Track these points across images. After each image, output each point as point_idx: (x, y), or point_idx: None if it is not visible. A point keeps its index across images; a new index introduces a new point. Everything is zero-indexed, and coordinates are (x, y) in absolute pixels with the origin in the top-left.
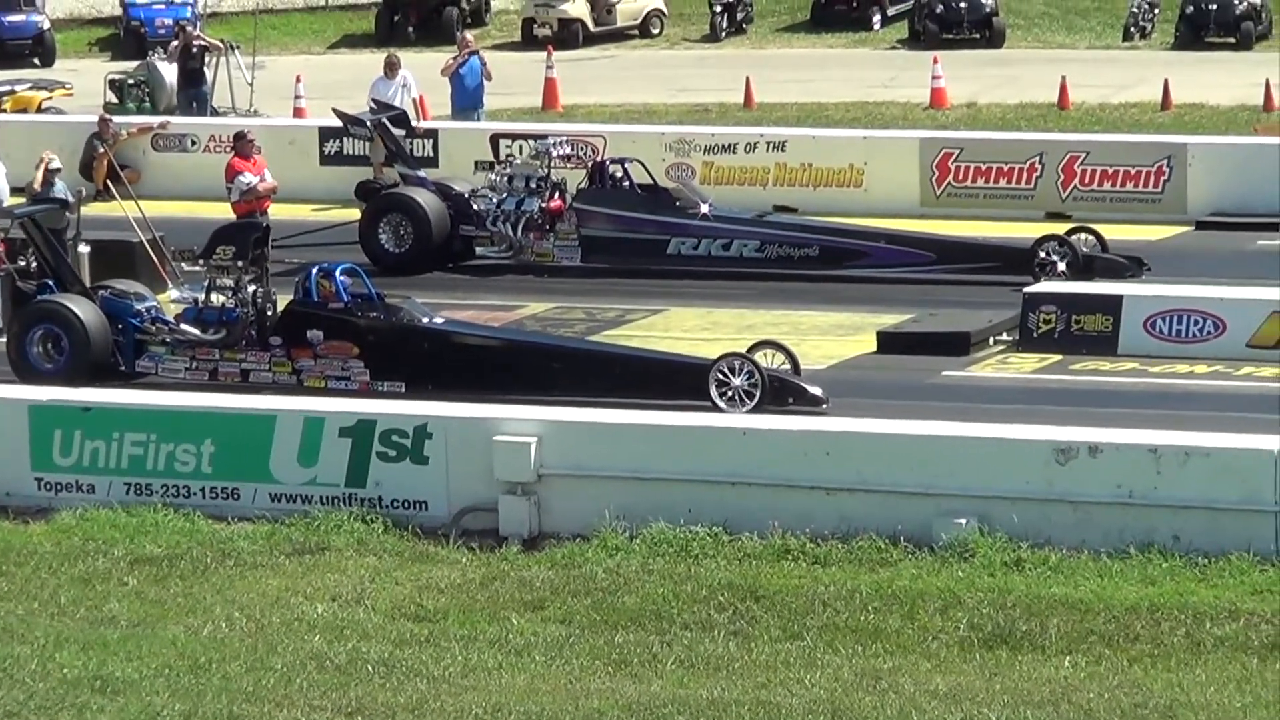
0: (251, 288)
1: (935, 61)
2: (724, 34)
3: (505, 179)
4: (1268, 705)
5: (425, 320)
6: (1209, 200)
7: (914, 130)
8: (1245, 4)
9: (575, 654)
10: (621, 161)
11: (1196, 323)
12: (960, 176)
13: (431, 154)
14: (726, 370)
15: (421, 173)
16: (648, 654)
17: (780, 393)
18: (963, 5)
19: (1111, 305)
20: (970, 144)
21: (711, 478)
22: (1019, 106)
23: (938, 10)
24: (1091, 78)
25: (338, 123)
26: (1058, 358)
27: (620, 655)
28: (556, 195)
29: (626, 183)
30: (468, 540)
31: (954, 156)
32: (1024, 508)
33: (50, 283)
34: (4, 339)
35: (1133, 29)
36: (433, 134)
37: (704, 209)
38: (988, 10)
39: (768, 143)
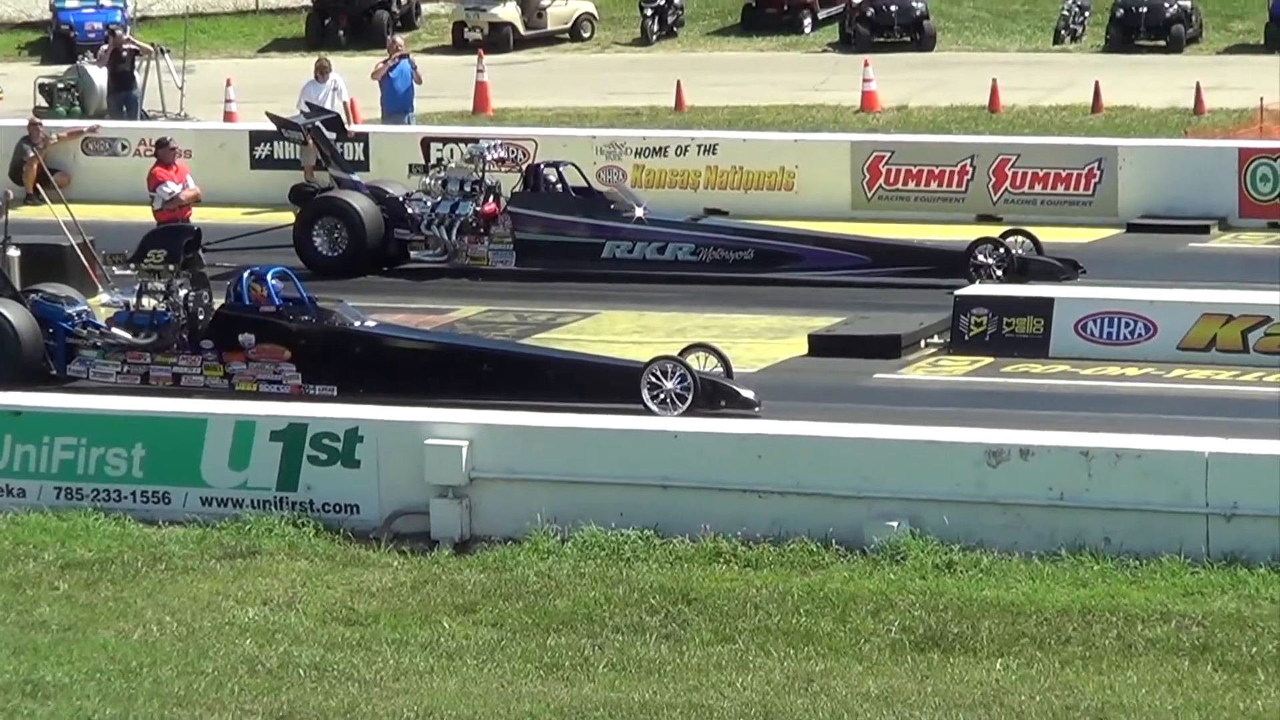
0: (183, 291)
1: (866, 64)
2: (655, 37)
3: (440, 182)
4: (1199, 707)
5: (357, 324)
6: (1140, 203)
7: (845, 133)
8: (1175, 7)
9: (507, 657)
10: (556, 165)
11: (1128, 325)
12: (891, 179)
13: (362, 157)
14: (659, 373)
15: (355, 176)
16: (579, 657)
17: (712, 396)
18: (893, 8)
19: (1043, 308)
20: (901, 147)
21: (643, 481)
22: (950, 109)
23: (868, 14)
24: (1022, 80)
25: (269, 126)
26: (989, 360)
27: (552, 658)
28: (491, 199)
29: (561, 186)
30: (399, 544)
31: (885, 159)
32: (955, 510)
33: None
34: None
35: (1063, 32)
36: (363, 137)
37: (639, 212)
38: (918, 14)
39: (699, 146)
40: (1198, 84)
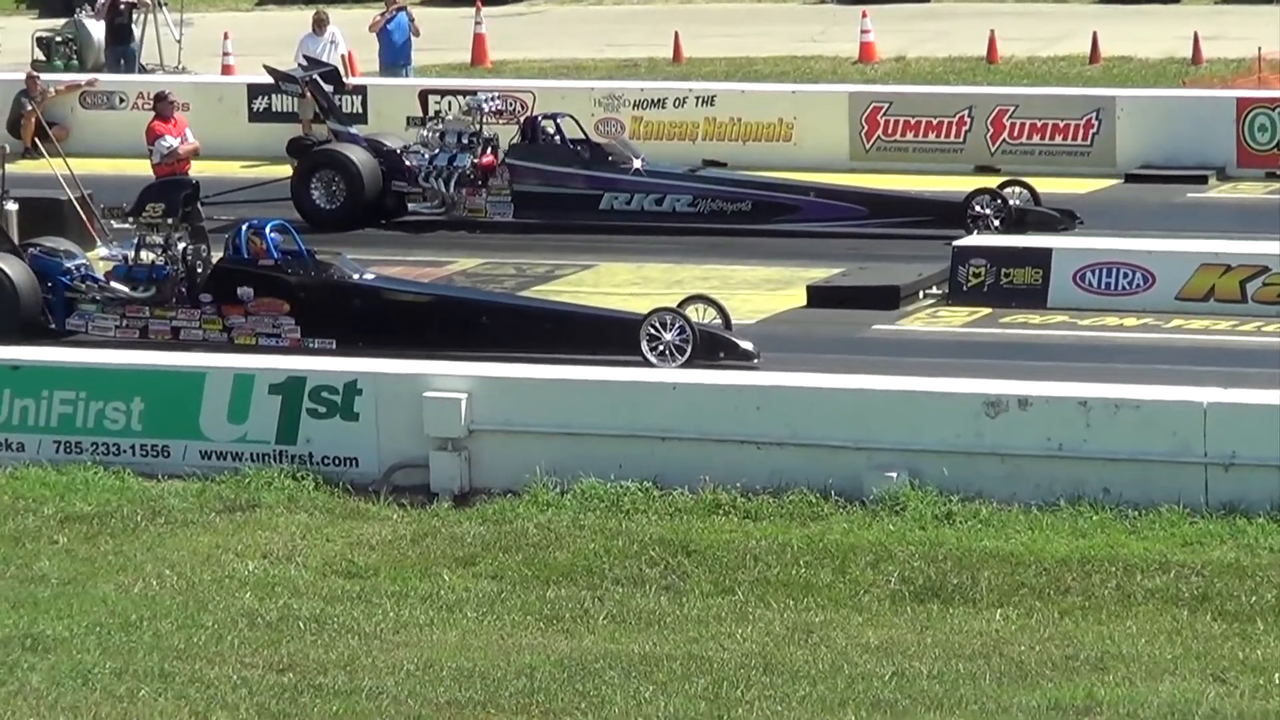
0: (181, 245)
1: (864, 15)
2: None
3: (437, 135)
4: (1198, 656)
5: (356, 276)
6: (1138, 153)
7: (843, 84)
8: None
9: (507, 609)
10: (554, 117)
11: (1126, 275)
12: (890, 130)
13: (360, 110)
14: (657, 325)
15: (354, 129)
16: (579, 609)
17: (711, 347)
18: None
19: (1041, 258)
20: (899, 98)
21: (642, 433)
22: (948, 60)
23: None
24: (1020, 31)
25: (267, 79)
26: (987, 311)
27: (552, 611)
28: (489, 151)
29: (559, 138)
30: (398, 496)
31: (883, 110)
32: (954, 461)
33: None
34: None
35: None
36: (361, 90)
37: (636, 164)
38: None
39: (697, 97)
40: (1195, 34)
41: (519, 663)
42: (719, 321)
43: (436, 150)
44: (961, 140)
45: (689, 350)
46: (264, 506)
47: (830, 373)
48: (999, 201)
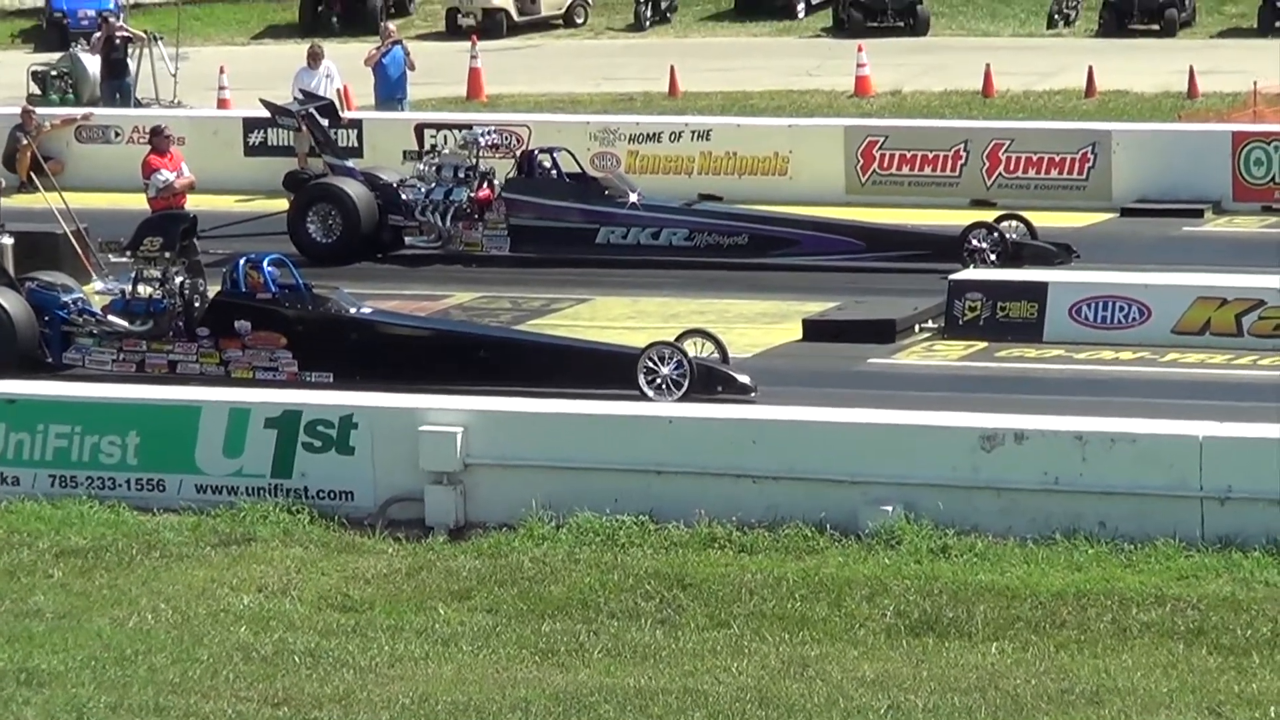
0: (179, 279)
1: (860, 49)
2: (648, 23)
3: (433, 169)
4: (1193, 690)
5: (353, 310)
6: (1134, 187)
7: (839, 118)
8: None
9: (502, 643)
10: (550, 151)
11: (1122, 309)
12: (885, 164)
13: (356, 144)
14: (655, 359)
15: (349, 163)
16: (575, 643)
17: (709, 381)
18: None
19: (1037, 292)
20: (895, 131)
21: (638, 467)
22: (944, 94)
23: None
24: (1016, 65)
25: (263, 113)
26: (983, 345)
27: (547, 644)
28: (485, 185)
29: (555, 172)
30: (394, 530)
31: (879, 144)
32: (950, 495)
33: None
34: None
35: (1056, 16)
36: (357, 124)
37: (633, 198)
38: None
39: (693, 131)
40: (1191, 68)
41: (514, 696)
42: (716, 356)
43: (433, 184)
44: (957, 174)
45: (686, 384)
46: (259, 540)
47: (826, 406)
48: (995, 235)
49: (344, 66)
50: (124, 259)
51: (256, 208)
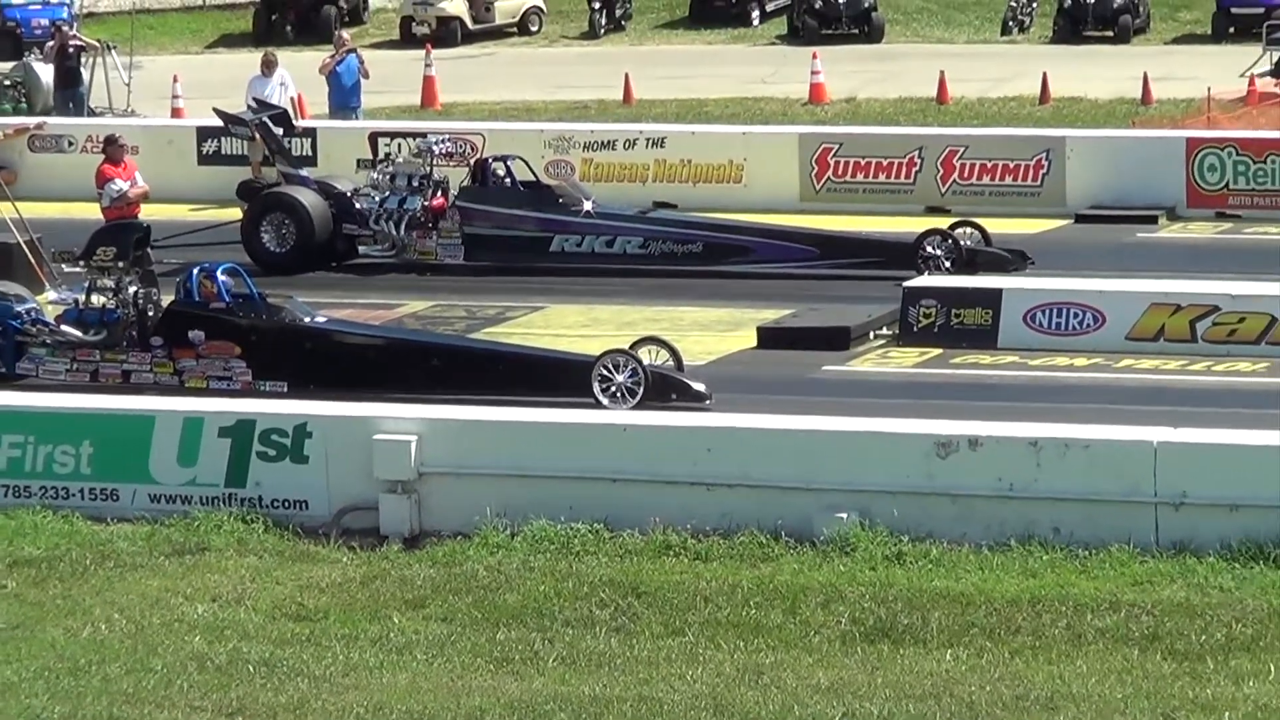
0: (132, 289)
1: (814, 57)
2: (603, 31)
3: (387, 177)
4: (1148, 696)
5: (307, 319)
6: (1088, 193)
7: (793, 126)
8: None
9: (457, 652)
10: (504, 159)
11: (1076, 315)
12: (840, 171)
13: (310, 152)
14: (609, 367)
15: (303, 172)
16: (529, 651)
17: (663, 389)
18: (841, 1)
19: (991, 299)
20: (850, 139)
21: (592, 474)
22: (898, 101)
23: (816, 6)
24: (970, 72)
25: (216, 122)
26: (938, 352)
27: (502, 653)
28: (439, 193)
29: (509, 180)
30: (348, 539)
31: (833, 151)
32: (905, 501)
33: None
34: None
35: (1011, 23)
36: (311, 133)
37: (587, 206)
38: (866, 5)
39: (647, 139)
40: (1145, 74)
41: (469, 705)
42: (671, 363)
43: (386, 193)
44: (912, 181)
45: (641, 392)
46: (213, 550)
47: (781, 414)
48: (950, 242)
49: (298, 75)
50: (77, 269)
51: (209, 217)
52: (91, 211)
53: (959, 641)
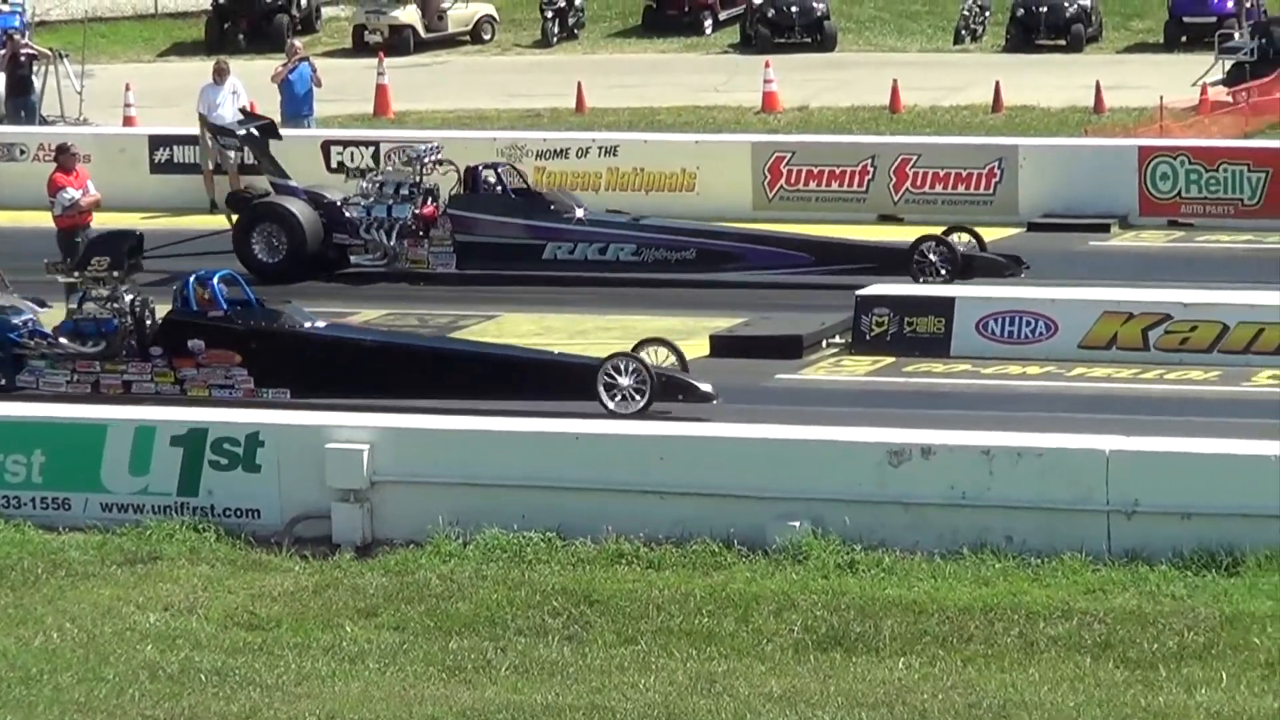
0: (129, 298)
1: (767, 65)
2: (555, 39)
3: (376, 186)
4: (1100, 704)
5: (307, 325)
6: (1040, 202)
7: (746, 134)
8: (1075, 6)
9: (409, 661)
10: (495, 166)
11: (1029, 324)
12: (792, 180)
13: None
14: (614, 369)
15: (292, 181)
16: (482, 660)
17: (669, 390)
18: (794, 9)
19: (944, 307)
20: (802, 147)
21: (545, 483)
22: (851, 110)
23: (769, 15)
24: (923, 81)
25: (169, 131)
26: (890, 360)
27: (454, 662)
28: (429, 201)
29: (500, 188)
30: (301, 548)
31: (786, 160)
32: (857, 510)
33: None
34: None
35: (964, 32)
36: None
37: (579, 213)
38: (819, 14)
39: (600, 147)
40: (1098, 83)
41: (421, 714)
42: (675, 364)
43: (375, 201)
44: (864, 189)
45: (647, 394)
46: (165, 559)
47: (734, 422)
48: (944, 248)
49: (251, 84)
50: (72, 279)
51: (162, 226)
52: (43, 220)
53: (911, 650)
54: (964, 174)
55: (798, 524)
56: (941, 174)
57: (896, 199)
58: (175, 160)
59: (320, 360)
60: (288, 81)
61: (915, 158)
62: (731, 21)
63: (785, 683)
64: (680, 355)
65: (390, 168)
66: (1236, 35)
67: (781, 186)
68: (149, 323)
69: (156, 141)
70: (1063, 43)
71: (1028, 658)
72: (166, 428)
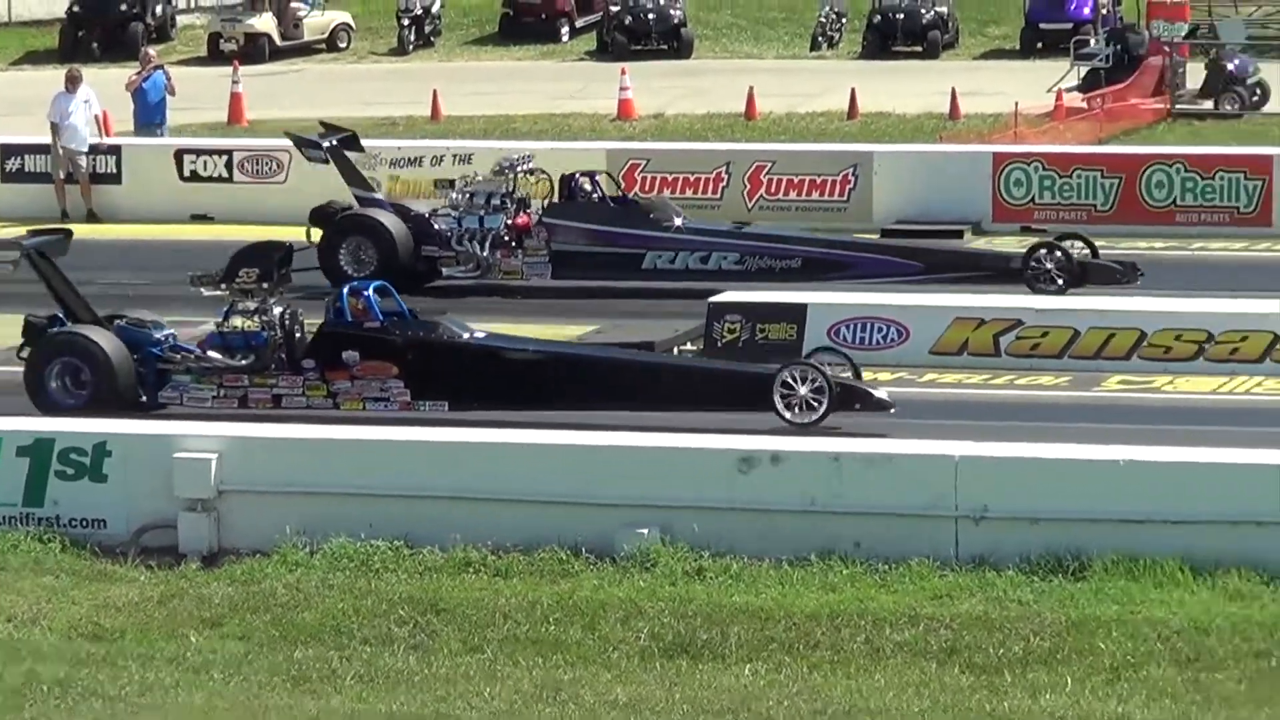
0: (278, 310)
1: (623, 73)
2: (412, 47)
3: (467, 196)
4: (945, 709)
5: (466, 336)
6: (894, 208)
7: (601, 141)
8: (932, 13)
9: (254, 671)
10: (590, 174)
11: (880, 330)
12: (647, 187)
13: (115, 170)
14: (792, 378)
15: (378, 194)
16: (327, 669)
17: (848, 399)
18: (651, 16)
19: (796, 313)
20: (657, 154)
21: (392, 491)
22: (706, 117)
23: (626, 22)
24: (779, 87)
25: (19, 140)
26: None
27: (299, 671)
28: (522, 211)
29: (596, 196)
30: (146, 558)
31: (641, 167)
32: (706, 517)
33: (60, 314)
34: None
35: (820, 39)
36: (116, 150)
37: (678, 222)
38: (676, 21)
39: (454, 155)
40: (953, 89)
41: None
42: (849, 373)
43: (466, 212)
44: (719, 196)
45: (825, 403)
46: (9, 569)
47: (582, 430)
48: (1060, 255)
49: (105, 92)
50: (219, 292)
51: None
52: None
53: (758, 656)
54: (819, 180)
55: (646, 531)
56: (796, 180)
57: (751, 206)
58: (27, 170)
59: (480, 371)
60: (141, 90)
61: (770, 164)
62: (588, 29)
63: (631, 690)
64: (853, 363)
65: (480, 177)
66: (1092, 41)
67: (636, 194)
68: (298, 335)
69: (8, 150)
70: (919, 49)
71: (874, 664)
72: (12, 438)
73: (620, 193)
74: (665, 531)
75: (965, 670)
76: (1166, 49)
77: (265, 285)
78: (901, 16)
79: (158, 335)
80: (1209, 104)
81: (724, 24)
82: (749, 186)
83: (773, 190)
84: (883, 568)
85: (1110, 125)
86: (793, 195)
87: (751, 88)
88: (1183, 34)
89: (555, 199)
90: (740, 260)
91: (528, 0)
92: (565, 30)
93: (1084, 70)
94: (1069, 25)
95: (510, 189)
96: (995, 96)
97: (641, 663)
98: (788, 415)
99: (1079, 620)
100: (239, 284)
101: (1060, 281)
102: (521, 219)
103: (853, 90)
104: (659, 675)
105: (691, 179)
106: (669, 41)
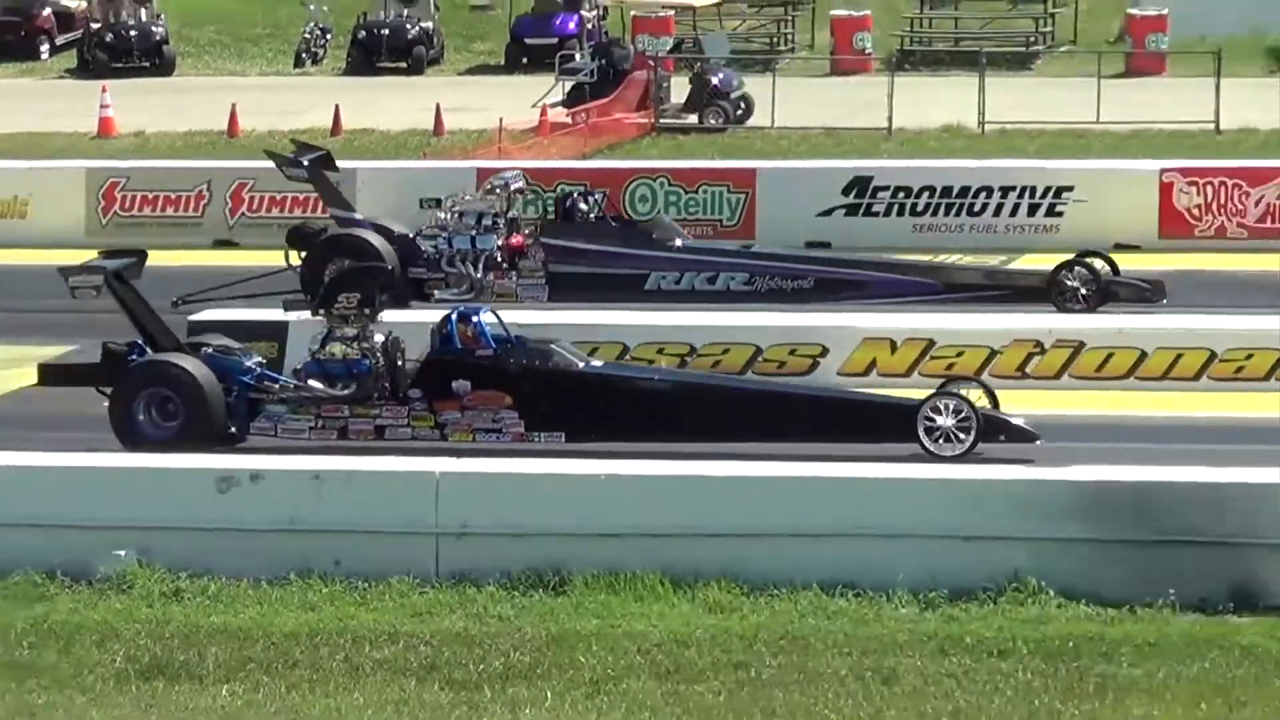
0: (378, 337)
1: (104, 90)
2: None
3: (456, 217)
4: None
5: (581, 364)
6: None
7: (81, 160)
8: (417, 29)
9: None
10: (588, 194)
11: None
12: (127, 205)
13: None
14: (937, 409)
15: (356, 214)
16: None
17: (992, 430)
18: (133, 34)
19: (278, 331)
20: (137, 173)
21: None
22: (188, 134)
23: (107, 39)
24: (263, 105)
25: None
26: None
27: None
28: (515, 232)
29: (593, 216)
30: None
31: (121, 185)
32: (185, 537)
33: (140, 342)
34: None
35: (304, 55)
36: None
37: (679, 242)
38: (158, 38)
39: None
40: (438, 105)
41: None
42: (988, 404)
43: (455, 233)
44: (200, 214)
45: (972, 435)
46: None
47: (62, 451)
48: (1087, 273)
49: None
50: (316, 318)
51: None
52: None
53: (235, 677)
54: (300, 199)
55: (124, 553)
56: (278, 198)
57: (233, 223)
58: None
59: (598, 401)
60: None
61: (252, 182)
62: (69, 46)
63: (106, 713)
64: (992, 394)
65: (468, 197)
66: (578, 56)
67: (115, 213)
68: (400, 362)
69: None
70: (404, 65)
71: (353, 682)
72: None
73: (618, 213)
74: (143, 553)
75: (445, 687)
76: (651, 63)
77: (367, 311)
78: (386, 32)
79: (247, 363)
80: (693, 118)
81: (207, 40)
82: (230, 204)
83: (254, 208)
84: (363, 585)
85: (595, 140)
86: (275, 212)
87: (235, 105)
88: (667, 48)
89: (551, 219)
90: (750, 280)
91: (6, 18)
92: (45, 48)
93: (569, 85)
94: (554, 40)
95: (504, 209)
96: (481, 113)
97: (117, 685)
98: (931, 447)
99: (559, 635)
100: (339, 309)
101: (1085, 299)
102: (516, 240)
103: (336, 107)
104: (134, 698)
105: (173, 197)
106: (151, 59)
